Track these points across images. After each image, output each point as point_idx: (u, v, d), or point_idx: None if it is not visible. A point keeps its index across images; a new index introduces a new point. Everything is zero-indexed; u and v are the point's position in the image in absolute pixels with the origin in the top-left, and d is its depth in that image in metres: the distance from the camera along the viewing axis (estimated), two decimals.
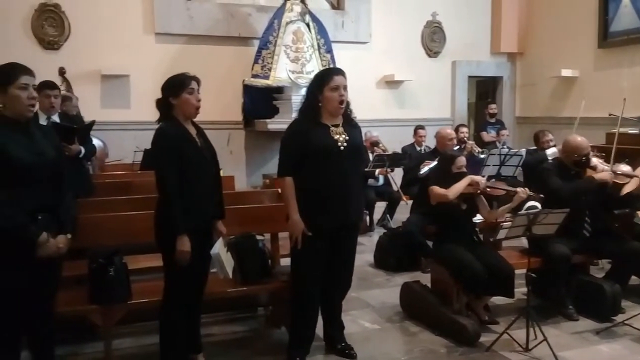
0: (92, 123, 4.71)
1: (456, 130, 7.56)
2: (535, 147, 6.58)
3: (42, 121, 4.05)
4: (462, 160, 4.11)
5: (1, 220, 2.46)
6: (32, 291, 2.63)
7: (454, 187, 3.90)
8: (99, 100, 7.53)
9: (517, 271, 3.92)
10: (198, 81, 3.09)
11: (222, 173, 5.99)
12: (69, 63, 7.03)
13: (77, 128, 4.36)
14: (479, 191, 3.99)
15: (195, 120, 3.17)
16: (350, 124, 3.35)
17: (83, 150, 4.31)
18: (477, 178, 4.00)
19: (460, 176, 4.01)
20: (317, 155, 3.18)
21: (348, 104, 3.28)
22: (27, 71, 2.63)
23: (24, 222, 2.52)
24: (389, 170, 6.96)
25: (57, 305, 2.90)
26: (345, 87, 3.22)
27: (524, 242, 4.31)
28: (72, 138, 4.18)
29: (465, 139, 7.37)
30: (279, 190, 4.19)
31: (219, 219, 3.26)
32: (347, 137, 3.24)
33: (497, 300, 4.24)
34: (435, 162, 5.27)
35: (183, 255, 2.95)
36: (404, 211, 6.64)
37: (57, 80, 6.52)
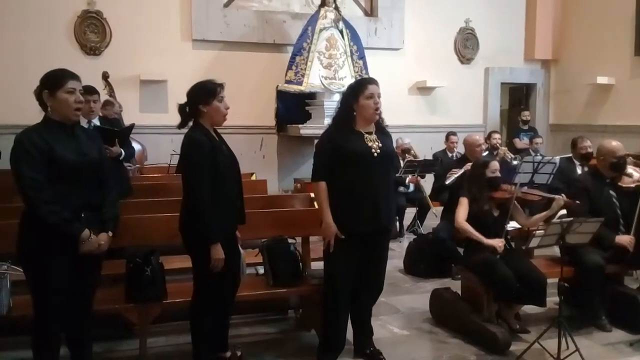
0: (132, 126, 4.85)
1: (489, 136, 7.54)
2: (570, 155, 6.48)
3: (83, 125, 4.19)
4: (495, 164, 4.12)
5: (47, 215, 2.59)
6: (72, 288, 2.74)
7: (468, 228, 3.93)
8: (138, 105, 7.74)
9: (549, 280, 3.89)
10: (224, 88, 3.11)
11: (254, 177, 6.17)
12: (110, 68, 7.24)
13: (117, 131, 4.51)
14: (512, 196, 3.97)
15: (228, 124, 3.21)
16: (383, 132, 3.42)
17: (123, 152, 4.46)
18: (498, 245, 3.88)
19: (494, 181, 4.01)
20: (352, 161, 3.25)
21: (380, 112, 3.34)
22: (75, 77, 2.75)
23: (68, 218, 2.64)
24: (419, 177, 6.97)
25: (95, 303, 2.99)
26: (379, 96, 3.30)
27: (556, 250, 4.27)
28: (113, 140, 4.33)
29: (497, 145, 7.33)
30: (312, 194, 4.25)
31: (240, 224, 3.31)
32: (380, 145, 3.31)
33: (529, 309, 4.21)
34: (461, 171, 5.26)
35: (218, 262, 3.01)
36: (434, 218, 6.63)
37: (100, 84, 6.75)
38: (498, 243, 3.87)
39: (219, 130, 3.22)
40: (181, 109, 3.11)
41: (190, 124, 3.12)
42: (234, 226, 3.25)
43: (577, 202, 4.04)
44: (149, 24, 7.71)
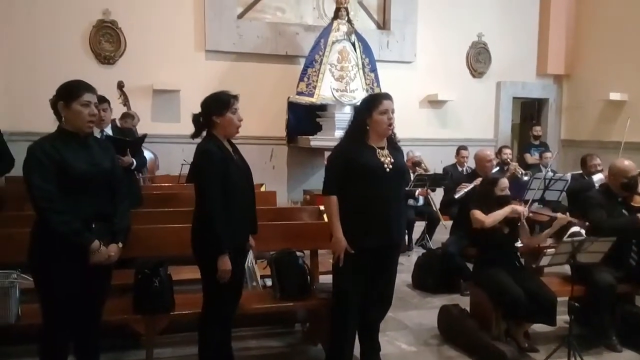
0: (144, 137, 4.89)
1: (499, 151, 7.51)
2: (581, 172, 6.45)
3: (95, 134, 4.24)
4: (504, 182, 4.09)
5: (58, 225, 2.60)
6: (82, 297, 2.75)
7: (494, 214, 3.88)
8: (150, 114, 7.79)
9: (559, 298, 3.85)
10: (238, 99, 3.13)
11: (264, 188, 6.18)
12: (123, 77, 7.30)
13: (129, 141, 4.54)
14: (522, 216, 3.94)
15: (239, 134, 3.20)
16: (395, 147, 3.42)
17: (135, 162, 4.49)
18: (520, 208, 3.94)
19: (503, 199, 3.99)
20: (364, 176, 3.25)
21: (393, 127, 3.35)
22: (91, 89, 2.78)
23: (79, 228, 2.65)
24: (429, 190, 6.95)
25: (103, 313, 2.99)
26: (393, 111, 3.31)
27: (566, 268, 4.23)
28: (125, 150, 4.36)
29: (508, 160, 7.31)
30: (321, 207, 4.25)
31: (252, 234, 3.31)
32: (392, 160, 3.31)
33: (538, 327, 4.17)
34: (471, 185, 5.24)
35: (225, 274, 3.01)
36: (443, 231, 6.60)
37: (115, 94, 6.81)
38: (520, 208, 3.87)
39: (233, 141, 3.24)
40: (195, 119, 3.14)
41: (204, 134, 3.14)
42: (246, 236, 3.25)
43: (586, 223, 4.02)
44: (163, 34, 7.78)
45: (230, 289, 3.13)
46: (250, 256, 3.36)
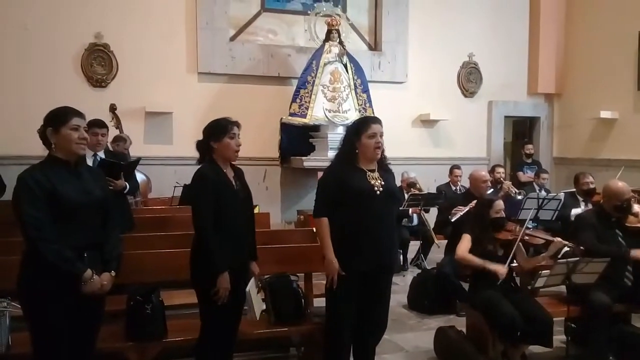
0: (137, 161, 4.88)
1: (492, 170, 7.54)
2: (574, 190, 6.47)
3: (89, 157, 4.22)
4: (500, 204, 4.08)
5: (49, 254, 2.56)
6: (75, 327, 2.69)
7: (471, 258, 3.91)
8: (143, 136, 7.76)
9: (555, 319, 3.83)
10: (239, 126, 3.21)
11: (257, 209, 6.15)
12: (116, 100, 7.31)
13: (123, 164, 4.52)
14: (517, 238, 3.94)
15: None
16: (385, 169, 3.42)
17: (127, 186, 4.46)
18: (502, 271, 3.84)
19: (498, 222, 3.98)
20: (354, 199, 3.24)
21: (383, 150, 3.35)
22: (78, 114, 2.76)
23: (70, 257, 2.60)
24: (422, 210, 6.95)
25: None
26: (381, 135, 3.32)
27: (562, 288, 4.22)
28: (118, 174, 4.34)
29: (501, 179, 7.32)
30: (314, 229, 4.23)
31: (252, 260, 3.32)
32: (382, 182, 3.31)
33: (535, 349, 4.12)
34: (466, 209, 5.23)
35: (223, 292, 3.02)
36: (438, 251, 6.58)
37: (108, 116, 6.80)
38: (501, 269, 3.83)
39: None
40: (198, 145, 3.24)
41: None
42: (242, 261, 3.23)
43: (581, 247, 4.02)
44: (155, 57, 7.79)
45: (226, 313, 3.11)
46: (252, 283, 3.34)
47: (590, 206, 5.75)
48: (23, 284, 2.65)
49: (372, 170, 3.34)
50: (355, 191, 3.24)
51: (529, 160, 9.13)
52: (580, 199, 6.13)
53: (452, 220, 5.31)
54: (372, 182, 3.28)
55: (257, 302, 3.43)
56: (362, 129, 3.31)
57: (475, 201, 5.12)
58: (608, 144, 9.07)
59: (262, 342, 4.08)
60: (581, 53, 9.58)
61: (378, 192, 3.26)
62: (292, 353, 4.30)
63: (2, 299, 3.15)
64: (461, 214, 5.24)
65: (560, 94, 10.04)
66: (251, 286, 3.33)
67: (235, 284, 3.12)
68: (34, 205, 2.56)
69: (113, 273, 2.79)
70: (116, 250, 2.86)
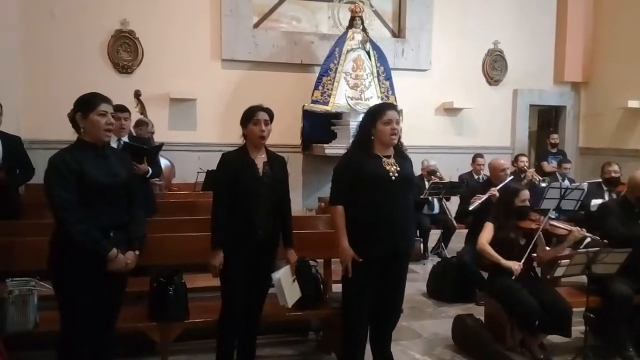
0: (161, 146, 4.95)
1: (516, 159, 7.48)
2: (600, 180, 6.38)
3: (113, 142, 4.31)
4: (525, 194, 4.05)
5: (76, 234, 2.67)
6: (98, 304, 2.80)
7: (492, 253, 3.91)
8: (167, 122, 7.88)
9: (575, 309, 3.82)
10: (267, 111, 3.32)
11: None
12: (141, 86, 7.39)
13: (146, 149, 4.60)
14: (539, 227, 3.92)
15: None
16: (401, 156, 3.43)
17: (150, 170, 4.54)
18: (516, 268, 3.85)
19: (523, 210, 3.97)
20: (369, 185, 3.27)
21: (399, 137, 3.36)
22: (106, 100, 2.86)
23: (97, 237, 2.72)
24: (444, 199, 6.93)
25: (118, 320, 3.04)
26: (397, 121, 3.33)
27: (583, 278, 4.19)
28: (142, 158, 4.42)
29: (525, 167, 7.26)
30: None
31: (287, 247, 3.46)
32: (398, 168, 3.32)
33: (554, 338, 4.12)
34: (485, 196, 5.20)
35: (211, 269, 3.21)
36: (459, 240, 6.57)
37: (133, 102, 6.91)
38: (515, 265, 3.83)
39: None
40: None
41: None
42: (261, 244, 3.27)
43: (605, 241, 3.98)
44: (179, 44, 7.88)
45: (242, 294, 3.22)
46: (287, 270, 3.44)
47: (614, 196, 5.68)
48: (52, 262, 2.77)
49: (388, 157, 3.35)
50: (371, 177, 3.26)
51: (554, 150, 9.01)
52: (605, 188, 6.05)
53: (471, 208, 5.29)
54: (388, 167, 3.30)
55: (293, 290, 3.49)
56: (378, 116, 3.32)
57: (493, 188, 5.11)
58: (636, 134, 8.90)
59: (281, 325, 4.14)
60: (609, 41, 9.37)
61: (393, 177, 3.27)
62: (310, 337, 4.36)
63: (31, 279, 3.26)
64: (479, 202, 5.22)
65: (587, 83, 9.86)
66: (284, 273, 3.40)
67: (251, 268, 3.23)
68: (63, 186, 2.66)
69: (137, 252, 2.89)
70: (140, 230, 2.97)
